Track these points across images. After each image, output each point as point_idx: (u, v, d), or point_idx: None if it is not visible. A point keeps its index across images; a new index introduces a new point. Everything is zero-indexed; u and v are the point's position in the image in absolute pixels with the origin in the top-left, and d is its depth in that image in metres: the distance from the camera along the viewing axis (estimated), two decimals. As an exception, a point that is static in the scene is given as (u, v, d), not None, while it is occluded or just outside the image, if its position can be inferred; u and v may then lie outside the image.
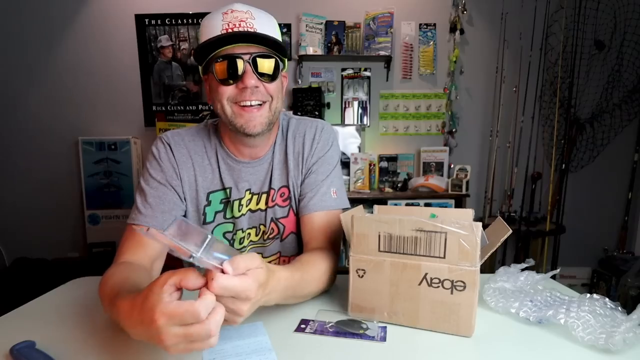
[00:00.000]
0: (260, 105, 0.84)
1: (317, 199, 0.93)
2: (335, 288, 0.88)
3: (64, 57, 2.85)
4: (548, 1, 2.73)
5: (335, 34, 2.80)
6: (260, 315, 0.75)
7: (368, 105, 2.91)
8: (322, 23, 2.80)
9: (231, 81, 0.83)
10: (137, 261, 0.79)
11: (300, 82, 2.88)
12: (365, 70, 2.89)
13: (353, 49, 2.84)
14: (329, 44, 2.81)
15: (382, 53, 2.78)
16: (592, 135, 2.87)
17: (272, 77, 0.85)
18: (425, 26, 2.88)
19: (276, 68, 0.85)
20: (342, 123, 2.91)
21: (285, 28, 2.83)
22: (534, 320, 0.72)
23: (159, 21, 2.83)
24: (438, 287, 0.67)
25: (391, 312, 0.71)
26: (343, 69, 2.89)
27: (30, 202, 2.94)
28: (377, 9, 2.79)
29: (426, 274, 0.68)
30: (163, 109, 2.91)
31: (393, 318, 0.71)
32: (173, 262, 1.10)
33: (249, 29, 0.81)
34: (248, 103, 0.83)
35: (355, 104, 2.90)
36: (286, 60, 0.91)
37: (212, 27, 0.82)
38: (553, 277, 0.88)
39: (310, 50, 2.76)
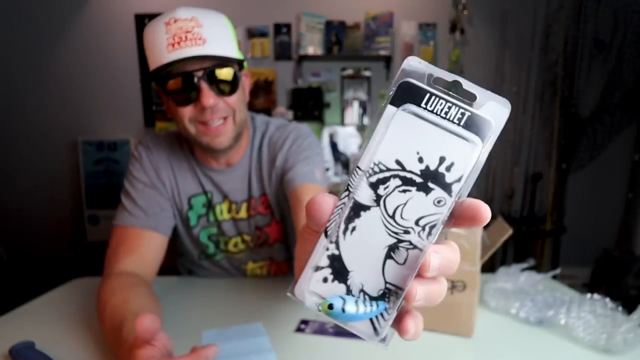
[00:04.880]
0: (223, 120, 0.79)
1: (300, 171, 0.83)
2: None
3: (63, 57, 2.85)
4: (548, 1, 2.73)
5: (335, 34, 2.80)
6: (260, 315, 0.75)
7: (368, 105, 2.91)
8: (322, 23, 2.80)
9: (188, 101, 0.76)
10: (134, 270, 0.76)
11: (300, 82, 2.87)
12: (366, 70, 2.89)
13: (353, 48, 2.84)
14: (329, 44, 2.81)
15: (382, 53, 2.78)
16: (592, 135, 2.87)
17: (232, 89, 0.78)
18: (425, 26, 2.88)
19: (235, 77, 0.78)
20: (342, 123, 2.91)
21: (285, 28, 2.83)
22: (534, 320, 0.72)
23: (158, 21, 2.82)
24: None
25: None
26: (343, 69, 2.89)
27: (30, 202, 2.94)
28: (377, 9, 2.79)
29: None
30: (163, 109, 2.91)
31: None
32: (172, 262, 1.10)
33: (197, 41, 0.73)
34: (210, 122, 0.78)
35: (355, 104, 2.90)
36: (244, 61, 0.83)
37: (156, 43, 0.75)
38: (554, 277, 0.88)
39: (310, 50, 2.76)
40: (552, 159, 2.80)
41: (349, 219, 0.27)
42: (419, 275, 0.26)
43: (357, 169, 0.27)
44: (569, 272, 2.90)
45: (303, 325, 0.71)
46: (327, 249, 0.27)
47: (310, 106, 2.78)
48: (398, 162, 0.27)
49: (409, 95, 0.27)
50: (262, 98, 2.88)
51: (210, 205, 0.91)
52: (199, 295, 0.88)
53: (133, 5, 2.80)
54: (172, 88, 0.76)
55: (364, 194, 0.27)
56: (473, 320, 0.68)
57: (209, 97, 0.75)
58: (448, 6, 2.85)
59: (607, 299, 0.72)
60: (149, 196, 0.85)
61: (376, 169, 0.27)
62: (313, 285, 0.28)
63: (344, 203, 0.27)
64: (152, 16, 2.79)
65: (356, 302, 0.27)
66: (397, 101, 0.27)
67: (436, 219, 0.26)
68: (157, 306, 0.70)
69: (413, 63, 0.27)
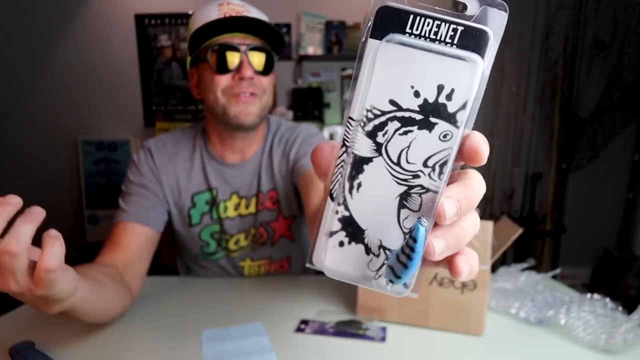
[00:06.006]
0: (253, 95, 0.84)
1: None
2: (336, 287, 0.88)
3: (63, 57, 2.84)
4: (548, 1, 2.73)
5: (335, 34, 2.80)
6: (260, 315, 0.75)
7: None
8: (322, 23, 2.80)
9: (227, 71, 0.82)
10: (111, 262, 0.76)
11: (300, 82, 2.87)
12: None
13: (353, 48, 2.84)
14: (329, 44, 2.81)
15: (382, 53, 2.78)
16: (592, 135, 2.87)
17: (266, 71, 0.85)
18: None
19: (270, 62, 0.85)
20: (342, 123, 2.90)
21: (285, 28, 2.82)
22: (534, 320, 0.72)
23: (158, 21, 2.82)
24: (448, 286, 0.68)
25: (401, 312, 0.71)
26: (343, 69, 2.88)
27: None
28: (377, 9, 2.79)
29: (436, 273, 0.68)
30: (163, 108, 2.91)
31: (403, 318, 0.71)
32: (172, 262, 1.10)
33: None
34: (242, 94, 0.82)
35: (355, 104, 2.90)
36: (277, 58, 0.90)
37: (207, 17, 0.81)
38: (554, 277, 0.88)
39: (310, 50, 2.76)
40: (552, 159, 2.80)
41: (352, 176, 0.25)
42: (437, 224, 0.24)
43: (349, 120, 0.25)
44: (569, 272, 2.90)
45: (303, 325, 0.71)
46: (337, 212, 0.25)
47: (310, 106, 2.78)
48: (393, 102, 0.24)
49: (390, 22, 0.24)
50: (262, 98, 2.88)
51: (214, 203, 0.92)
52: (199, 295, 0.88)
53: (133, 5, 2.80)
54: (215, 57, 0.82)
55: (362, 146, 0.24)
56: (484, 319, 0.68)
57: (248, 69, 0.81)
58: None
59: (607, 299, 0.72)
60: (140, 194, 0.88)
61: (370, 115, 0.24)
62: (330, 252, 0.26)
63: (343, 160, 0.25)
64: (152, 16, 2.81)
65: (398, 258, 0.24)
66: (377, 32, 0.24)
67: (445, 155, 0.24)
68: (111, 294, 0.66)
69: None
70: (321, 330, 0.69)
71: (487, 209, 2.93)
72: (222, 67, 0.82)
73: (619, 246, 2.94)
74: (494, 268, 0.76)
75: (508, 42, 2.80)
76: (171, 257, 1.10)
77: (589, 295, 0.74)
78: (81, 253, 2.96)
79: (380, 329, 0.69)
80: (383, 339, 0.67)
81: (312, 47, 2.77)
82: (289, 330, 0.70)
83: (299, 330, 0.70)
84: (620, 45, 2.75)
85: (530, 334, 0.69)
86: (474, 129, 0.24)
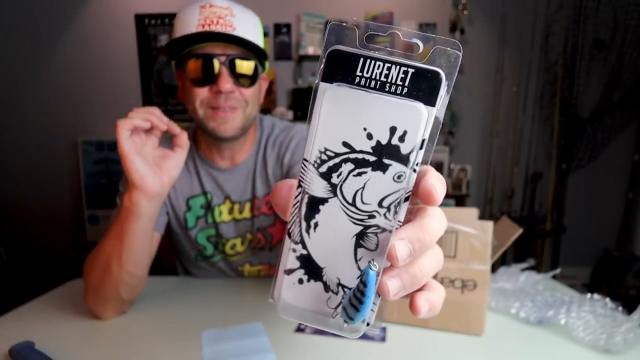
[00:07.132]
0: (233, 110, 0.80)
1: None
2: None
3: (63, 57, 2.85)
4: (548, 1, 2.73)
5: (335, 34, 2.80)
6: (260, 315, 0.75)
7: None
8: (322, 23, 2.80)
9: (205, 83, 0.78)
10: None
11: (300, 82, 2.87)
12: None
13: (353, 49, 2.83)
14: (329, 44, 2.81)
15: (382, 53, 2.78)
16: (592, 135, 2.87)
17: (250, 82, 0.80)
18: (425, 26, 2.88)
19: (255, 72, 0.80)
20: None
21: (285, 28, 2.83)
22: (534, 320, 0.72)
23: (158, 21, 2.82)
24: (448, 286, 0.68)
25: (401, 312, 0.71)
26: (343, 69, 2.89)
27: (30, 202, 2.94)
28: (377, 9, 2.79)
29: (436, 273, 0.68)
30: (163, 109, 2.90)
31: (403, 318, 0.71)
32: (172, 262, 1.10)
33: (228, 28, 0.76)
34: (221, 108, 0.79)
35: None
36: (266, 62, 0.86)
37: (187, 22, 0.77)
38: (554, 277, 0.88)
39: (310, 50, 2.76)
40: (552, 159, 2.80)
41: (309, 216, 0.25)
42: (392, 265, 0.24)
43: (304, 161, 0.25)
44: (569, 272, 2.90)
45: (303, 325, 0.71)
46: (294, 251, 0.26)
47: (310, 106, 2.78)
48: (346, 144, 0.24)
49: (340, 65, 0.24)
50: (262, 98, 2.89)
51: (209, 207, 0.91)
52: (198, 295, 0.88)
53: (133, 5, 2.80)
54: (193, 67, 0.77)
55: (317, 187, 0.25)
56: (484, 319, 0.68)
57: (226, 82, 0.76)
58: (448, 6, 2.85)
59: (607, 299, 0.72)
60: None
61: (324, 157, 0.24)
62: (289, 289, 0.26)
63: (299, 200, 0.25)
64: (152, 16, 2.81)
65: (350, 301, 0.24)
66: (329, 74, 0.24)
67: (399, 195, 0.24)
68: (149, 257, 0.77)
69: (339, 24, 0.24)
70: (321, 330, 0.69)
71: (487, 209, 2.93)
72: (200, 79, 0.77)
73: (619, 246, 2.94)
74: (494, 268, 0.76)
75: (508, 42, 2.81)
76: (171, 257, 1.10)
77: (589, 295, 0.74)
78: (81, 253, 2.96)
79: (380, 329, 0.69)
80: (383, 339, 0.67)
81: (312, 47, 2.77)
82: (289, 330, 0.70)
83: (299, 330, 0.70)
84: (620, 45, 2.74)
85: (530, 334, 0.69)
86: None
